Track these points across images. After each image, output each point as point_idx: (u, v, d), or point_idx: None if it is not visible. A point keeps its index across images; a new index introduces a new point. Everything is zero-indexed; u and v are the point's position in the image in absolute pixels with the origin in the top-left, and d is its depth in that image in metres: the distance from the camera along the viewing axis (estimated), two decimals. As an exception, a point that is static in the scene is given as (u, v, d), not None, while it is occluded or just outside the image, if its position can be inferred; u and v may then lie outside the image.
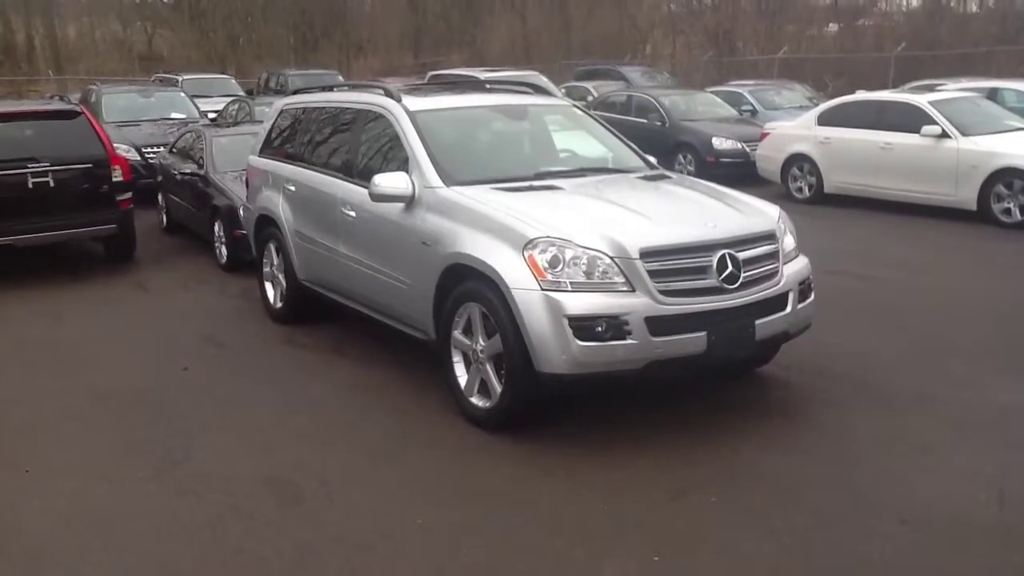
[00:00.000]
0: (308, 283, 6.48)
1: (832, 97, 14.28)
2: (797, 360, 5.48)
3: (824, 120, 11.84)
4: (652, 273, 4.34)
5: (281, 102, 7.43)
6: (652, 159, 6.04)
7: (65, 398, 5.39)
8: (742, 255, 4.55)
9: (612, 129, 6.32)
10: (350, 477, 4.27)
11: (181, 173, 9.54)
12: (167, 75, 22.97)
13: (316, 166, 6.34)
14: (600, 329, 4.23)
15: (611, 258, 4.33)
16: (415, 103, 5.68)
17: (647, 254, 4.36)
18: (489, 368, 4.65)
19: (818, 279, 5.17)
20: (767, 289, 4.65)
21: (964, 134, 10.24)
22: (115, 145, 9.10)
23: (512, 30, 36.66)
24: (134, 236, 8.95)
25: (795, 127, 12.40)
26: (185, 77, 20.89)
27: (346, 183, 5.85)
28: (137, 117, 13.62)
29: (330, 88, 7.17)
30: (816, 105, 13.88)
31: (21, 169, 7.97)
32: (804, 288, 4.92)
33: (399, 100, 5.69)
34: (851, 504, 3.89)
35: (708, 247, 4.50)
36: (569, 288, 4.29)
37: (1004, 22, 23.87)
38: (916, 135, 10.49)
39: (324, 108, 6.63)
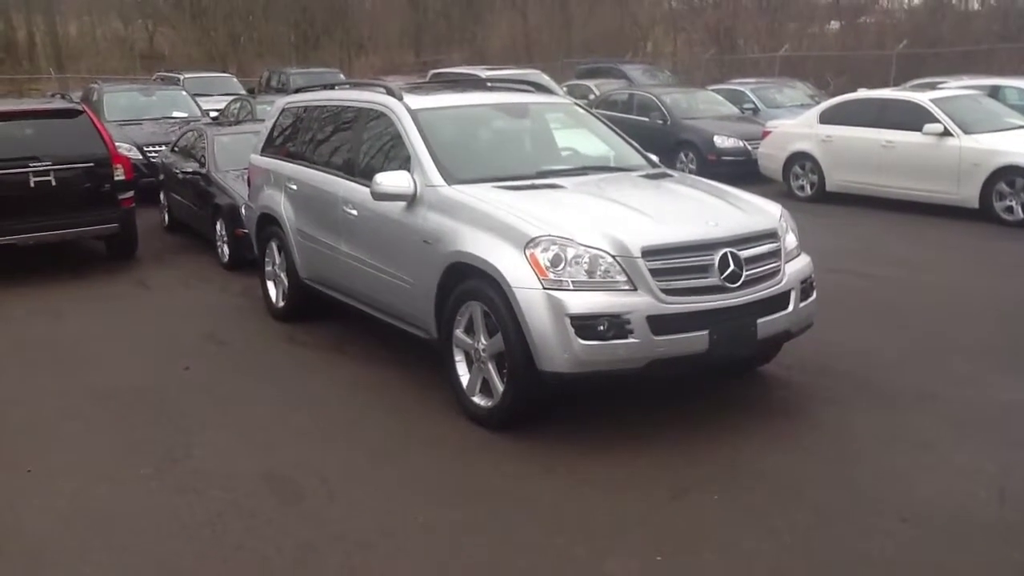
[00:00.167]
0: (310, 282, 6.48)
1: (834, 95, 14.24)
2: (799, 359, 5.48)
3: (826, 118, 11.82)
4: (654, 272, 4.33)
5: (283, 101, 7.42)
6: (654, 157, 6.04)
7: (65, 397, 5.39)
8: (744, 254, 4.55)
9: (614, 127, 6.31)
10: (351, 475, 4.27)
11: (183, 172, 9.54)
12: (168, 74, 22.99)
13: (318, 165, 6.34)
14: (602, 328, 4.23)
15: (613, 257, 4.33)
16: (417, 101, 5.67)
17: (649, 253, 4.36)
18: (491, 367, 4.65)
19: (820, 277, 5.16)
20: (769, 288, 4.65)
21: (966, 132, 10.23)
22: (117, 144, 9.10)
23: (513, 28, 36.63)
24: (136, 235, 8.96)
25: (797, 125, 12.38)
26: (186, 76, 20.89)
27: (348, 182, 5.85)
28: (139, 116, 13.60)
29: (332, 87, 7.15)
30: (818, 103, 13.87)
31: (23, 168, 7.98)
32: (806, 287, 4.92)
33: (401, 98, 5.68)
34: (852, 502, 3.89)
35: (710, 246, 4.50)
36: (571, 287, 4.29)
37: (1006, 20, 23.81)
38: (918, 133, 10.48)
39: (326, 107, 6.62)
